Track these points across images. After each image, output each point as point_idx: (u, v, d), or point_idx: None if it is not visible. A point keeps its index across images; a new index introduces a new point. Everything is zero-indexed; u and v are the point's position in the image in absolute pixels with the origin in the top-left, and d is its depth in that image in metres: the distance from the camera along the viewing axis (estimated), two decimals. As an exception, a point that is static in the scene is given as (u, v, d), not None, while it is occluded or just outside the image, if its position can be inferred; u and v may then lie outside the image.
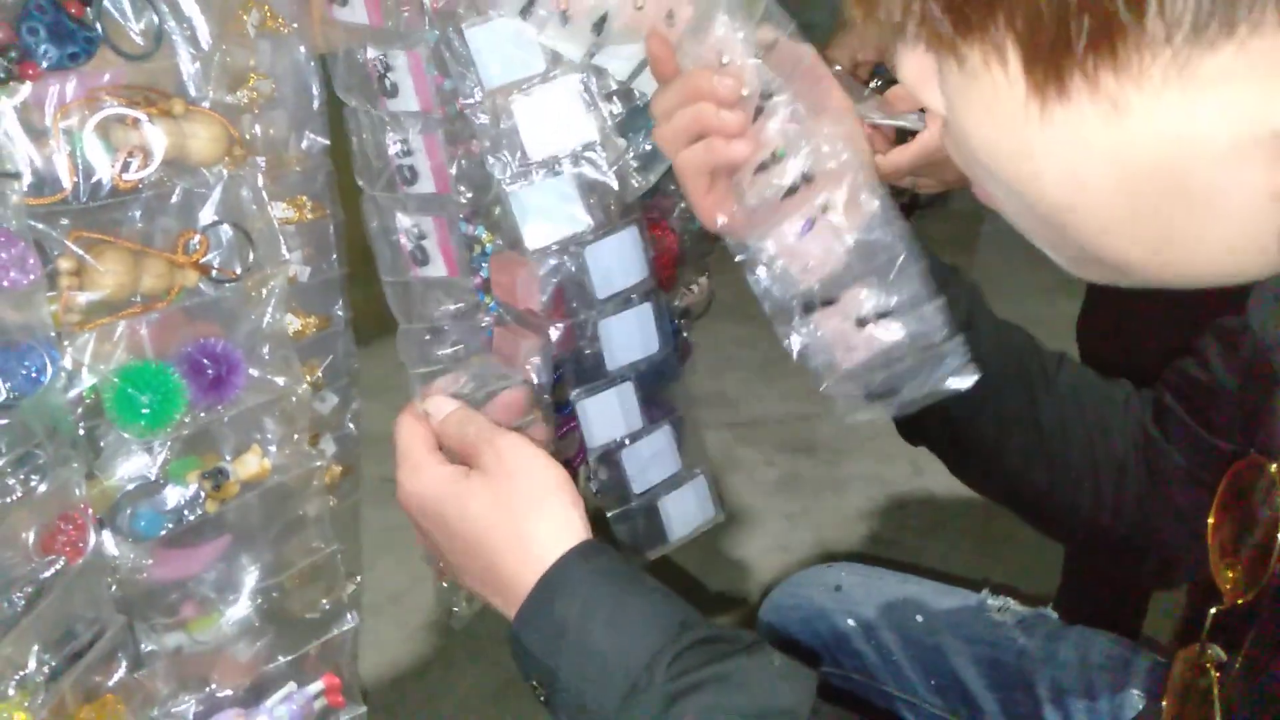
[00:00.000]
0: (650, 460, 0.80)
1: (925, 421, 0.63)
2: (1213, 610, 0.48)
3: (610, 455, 0.79)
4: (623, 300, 0.74)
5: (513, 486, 0.52)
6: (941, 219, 4.48)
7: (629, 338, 0.75)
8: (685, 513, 0.83)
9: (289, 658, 0.71)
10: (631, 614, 0.49)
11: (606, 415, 0.77)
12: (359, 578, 0.78)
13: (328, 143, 0.73)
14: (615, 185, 0.72)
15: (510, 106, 0.68)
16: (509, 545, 0.51)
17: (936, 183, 0.92)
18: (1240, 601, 0.47)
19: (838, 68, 0.79)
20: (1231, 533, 0.49)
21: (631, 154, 0.80)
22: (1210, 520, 0.50)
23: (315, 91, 0.71)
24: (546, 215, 0.70)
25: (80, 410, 0.58)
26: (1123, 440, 0.66)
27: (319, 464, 0.70)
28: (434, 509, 0.54)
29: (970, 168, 0.37)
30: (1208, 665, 0.48)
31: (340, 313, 0.76)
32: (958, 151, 0.37)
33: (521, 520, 0.51)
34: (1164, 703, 0.51)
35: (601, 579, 0.50)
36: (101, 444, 0.61)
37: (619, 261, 0.73)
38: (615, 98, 0.77)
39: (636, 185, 0.81)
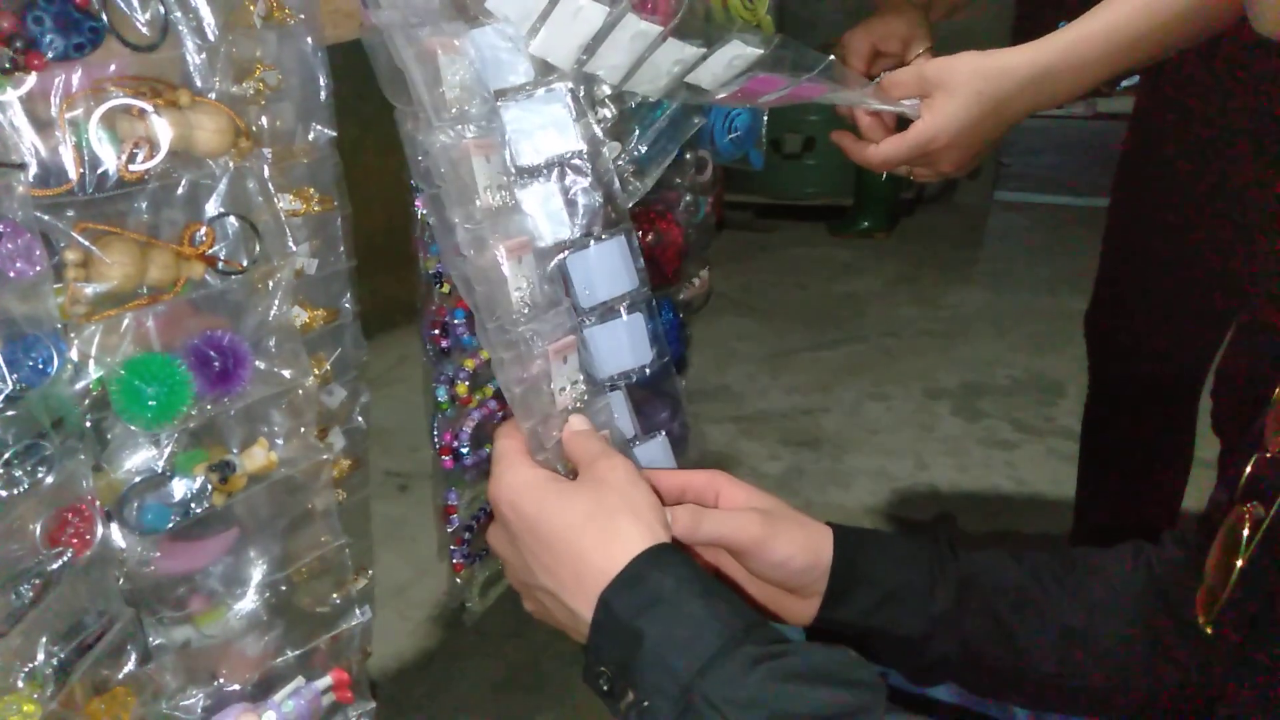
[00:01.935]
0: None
1: (935, 672, 0.66)
2: (1254, 458, 0.51)
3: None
4: (610, 310, 0.74)
5: (617, 493, 0.57)
6: (947, 213, 4.48)
7: (617, 347, 0.74)
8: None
9: (297, 652, 0.71)
10: (723, 596, 0.53)
11: (596, 424, 0.76)
12: (370, 572, 0.78)
13: (335, 134, 0.72)
14: (600, 196, 0.72)
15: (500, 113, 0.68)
16: (601, 537, 0.55)
17: (931, 173, 0.92)
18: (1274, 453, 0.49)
19: (832, 57, 0.79)
20: None
21: (625, 158, 0.80)
22: (1278, 392, 0.51)
23: (322, 83, 0.71)
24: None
25: (87, 402, 0.58)
26: (1141, 629, 0.65)
27: (327, 457, 0.69)
28: (529, 500, 0.57)
29: None
30: (1246, 515, 0.50)
31: (348, 305, 0.75)
32: None
33: (619, 519, 0.55)
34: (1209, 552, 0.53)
35: (691, 568, 0.54)
36: (108, 436, 0.60)
37: (605, 271, 0.73)
38: (608, 102, 0.77)
39: (632, 189, 0.81)
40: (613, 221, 0.73)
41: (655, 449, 0.77)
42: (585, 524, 0.55)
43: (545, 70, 0.71)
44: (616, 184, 0.74)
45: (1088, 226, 1.67)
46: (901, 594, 0.63)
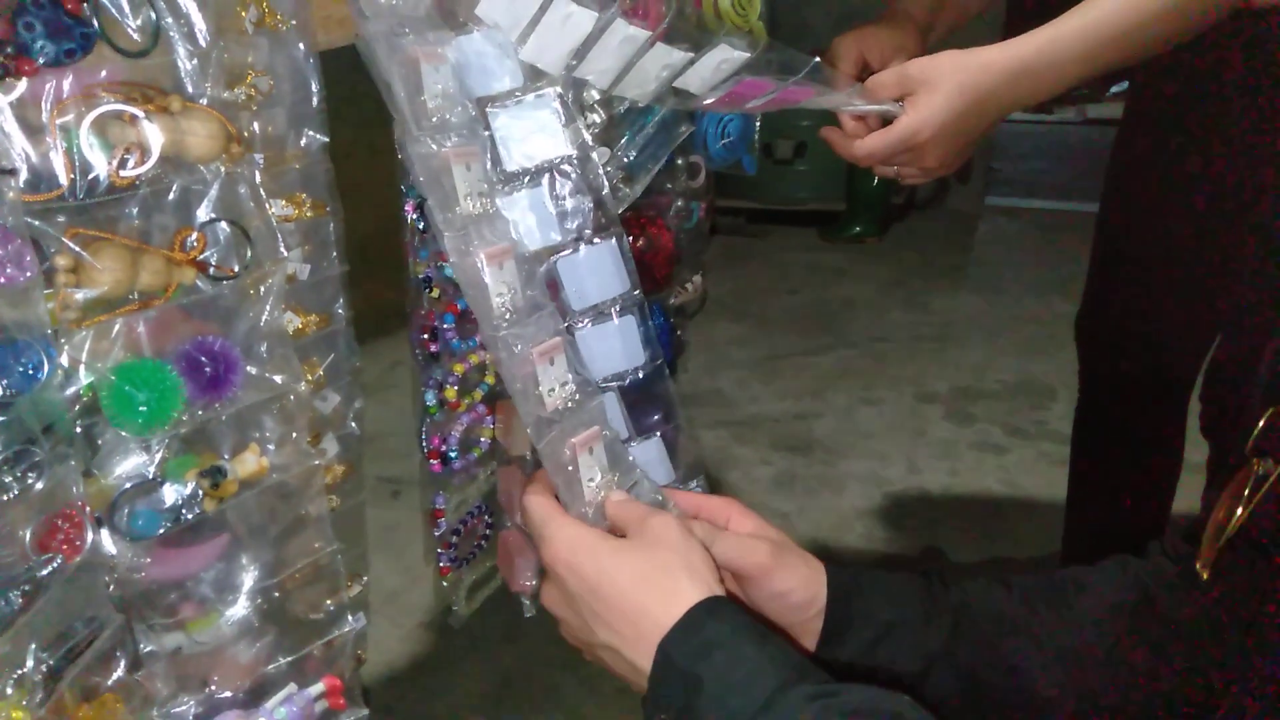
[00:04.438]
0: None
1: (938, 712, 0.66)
2: (1269, 412, 0.52)
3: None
4: (602, 313, 0.74)
5: (673, 552, 0.58)
6: (938, 218, 4.49)
7: (609, 350, 0.74)
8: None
9: (290, 659, 0.70)
10: (777, 641, 0.55)
11: (590, 423, 0.75)
12: (365, 579, 0.78)
13: (327, 140, 0.72)
14: (589, 200, 0.73)
15: (490, 118, 0.68)
16: (661, 594, 0.56)
17: (918, 172, 0.92)
18: None
19: (818, 59, 0.79)
20: None
21: (614, 164, 0.80)
22: None
23: (314, 89, 0.71)
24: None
25: (77, 408, 0.58)
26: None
27: (319, 463, 0.69)
28: (586, 559, 0.59)
29: None
30: (1255, 471, 0.52)
31: (341, 311, 0.75)
32: None
33: (677, 577, 0.57)
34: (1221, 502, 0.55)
35: (747, 618, 0.56)
36: (99, 442, 0.60)
37: (595, 274, 0.73)
38: (597, 107, 0.78)
39: (622, 195, 0.81)
40: (603, 226, 0.74)
41: (650, 450, 0.77)
42: (643, 582, 0.57)
43: (534, 76, 0.71)
44: (606, 188, 0.74)
45: (1078, 231, 1.68)
46: (897, 630, 0.64)
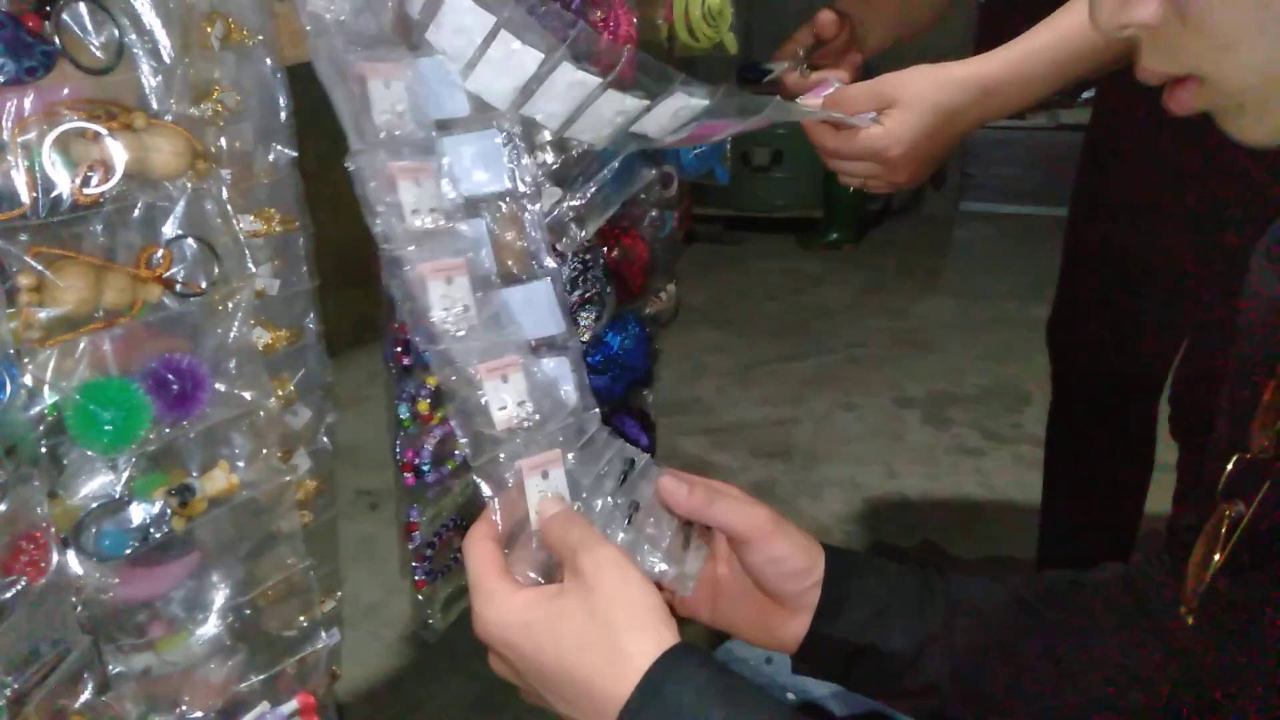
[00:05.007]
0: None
1: (926, 698, 0.66)
2: (1234, 458, 0.52)
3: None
4: (534, 349, 0.73)
5: (610, 602, 0.52)
6: (914, 224, 4.53)
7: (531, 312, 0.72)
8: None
9: (262, 677, 0.70)
10: (748, 701, 0.50)
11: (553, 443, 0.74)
12: (338, 594, 0.77)
13: (295, 154, 0.72)
14: (527, 239, 0.72)
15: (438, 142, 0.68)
16: (607, 661, 0.51)
17: (885, 185, 0.93)
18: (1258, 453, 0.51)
19: (777, 98, 0.79)
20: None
21: (566, 204, 0.79)
22: (1267, 396, 0.52)
23: (282, 103, 0.71)
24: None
25: (41, 428, 0.57)
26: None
27: (289, 479, 0.69)
28: (519, 636, 0.53)
29: (1211, 4, 0.41)
30: (1227, 516, 0.51)
31: (311, 325, 0.75)
32: (1197, 27, 0.41)
33: (620, 636, 0.51)
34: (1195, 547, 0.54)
35: (709, 670, 0.50)
36: (64, 462, 0.60)
37: (527, 312, 0.71)
38: (549, 147, 0.77)
39: (571, 236, 0.81)
40: (539, 268, 0.73)
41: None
42: (586, 651, 0.51)
43: (483, 107, 0.71)
44: (543, 231, 0.72)
45: (1051, 236, 1.70)
46: (893, 611, 0.64)
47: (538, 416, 0.64)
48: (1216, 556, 0.52)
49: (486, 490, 0.60)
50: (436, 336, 0.62)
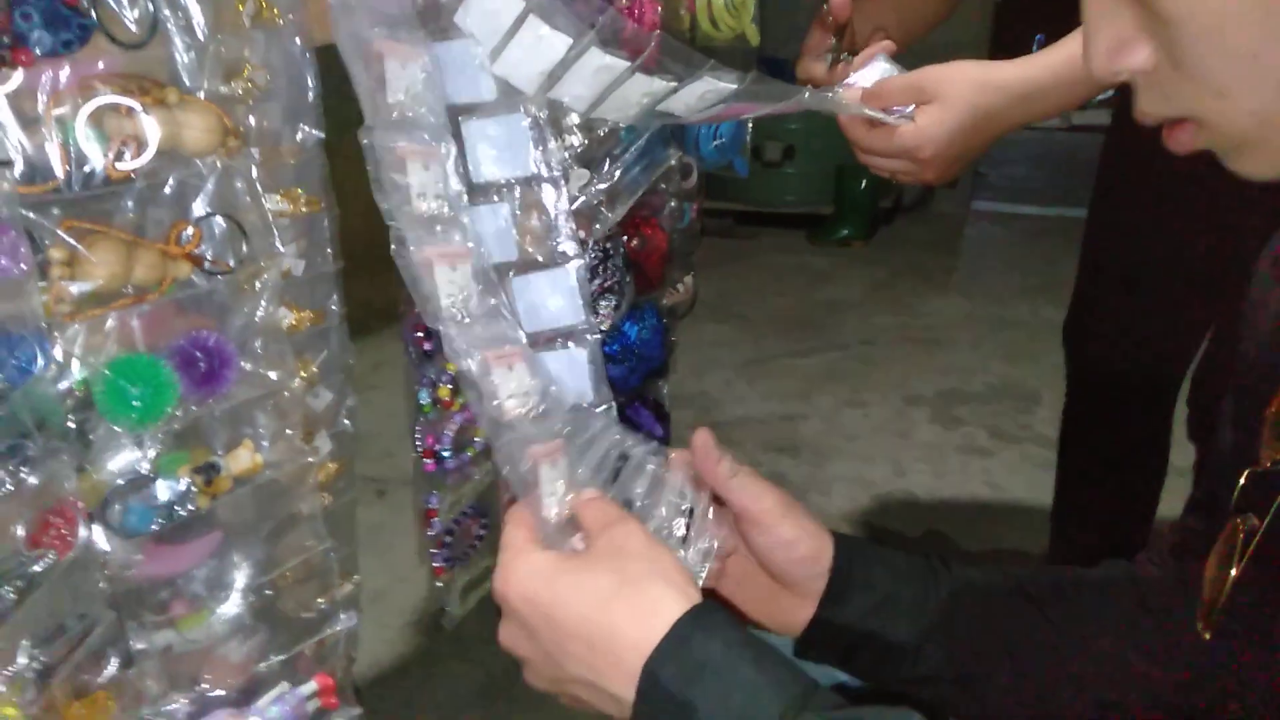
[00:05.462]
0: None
1: (925, 687, 0.65)
2: (1246, 471, 0.51)
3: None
4: (552, 340, 0.73)
5: (639, 559, 0.52)
6: (924, 222, 4.52)
7: (555, 378, 0.73)
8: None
9: (282, 657, 0.70)
10: (774, 657, 0.50)
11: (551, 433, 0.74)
12: (356, 577, 0.77)
13: (322, 135, 0.72)
14: (553, 223, 0.72)
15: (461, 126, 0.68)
16: (633, 610, 0.50)
17: (914, 179, 0.92)
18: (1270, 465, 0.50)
19: (808, 89, 0.78)
20: None
21: (594, 187, 0.79)
22: (1273, 408, 0.52)
23: (310, 84, 0.70)
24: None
25: (69, 403, 0.57)
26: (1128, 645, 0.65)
27: (312, 460, 0.69)
28: (541, 586, 0.53)
29: (1202, 52, 0.41)
30: (1240, 530, 0.51)
31: (335, 307, 0.75)
32: (1191, 40, 0.41)
33: (649, 588, 0.51)
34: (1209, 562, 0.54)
35: (737, 630, 0.50)
36: (91, 437, 0.60)
37: (549, 299, 0.72)
38: (577, 130, 0.77)
39: (603, 219, 0.81)
40: (564, 252, 0.73)
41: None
42: (611, 598, 0.51)
43: (510, 91, 0.71)
44: (569, 216, 0.72)
45: (1062, 236, 1.70)
46: (897, 599, 0.64)
47: (543, 408, 0.64)
48: (1233, 571, 0.51)
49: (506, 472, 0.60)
50: (444, 320, 0.62)
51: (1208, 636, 0.54)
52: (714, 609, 0.51)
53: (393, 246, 0.62)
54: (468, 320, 0.63)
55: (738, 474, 0.62)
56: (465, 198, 0.67)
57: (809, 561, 0.63)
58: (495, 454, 0.61)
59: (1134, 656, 0.63)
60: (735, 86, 0.72)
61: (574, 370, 0.74)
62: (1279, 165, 0.45)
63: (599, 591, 0.51)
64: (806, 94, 0.76)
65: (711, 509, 0.65)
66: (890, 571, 0.65)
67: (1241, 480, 0.52)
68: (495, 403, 0.61)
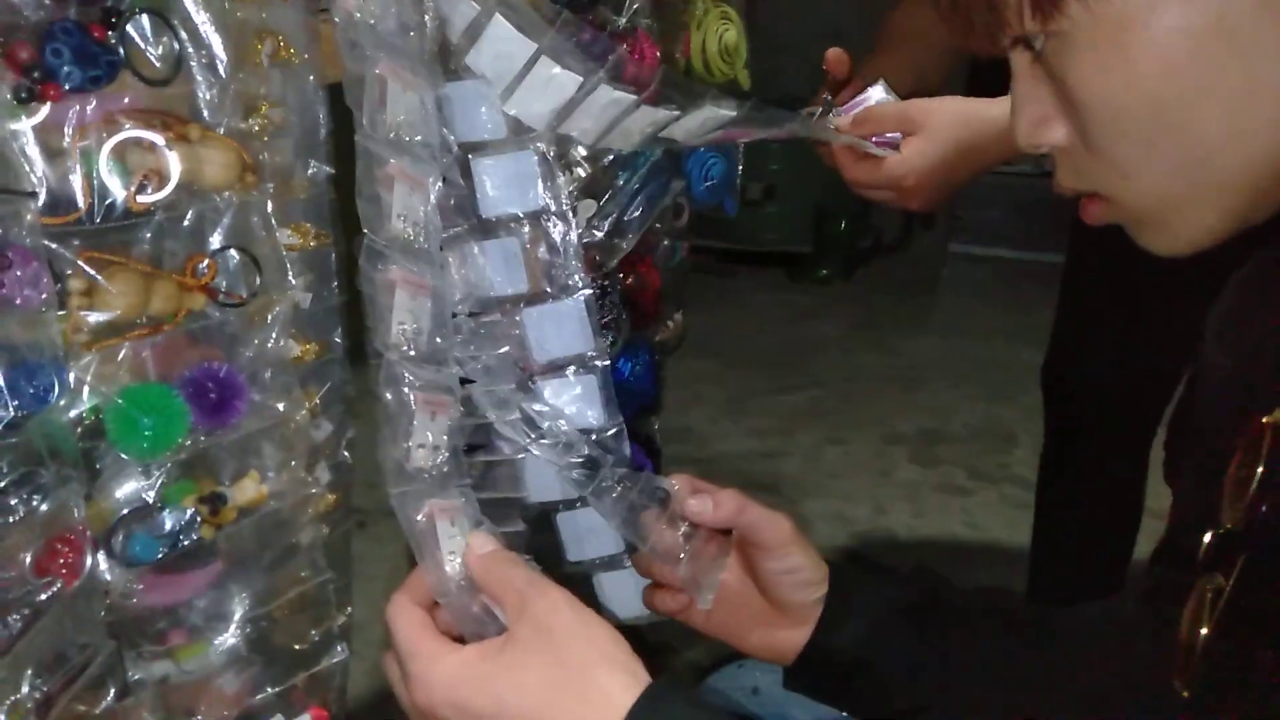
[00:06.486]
0: (586, 532, 0.79)
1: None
2: (1209, 532, 0.52)
3: (545, 517, 0.79)
4: (561, 369, 0.75)
5: (573, 641, 0.49)
6: (903, 262, 4.58)
7: (565, 407, 0.75)
8: (623, 597, 0.80)
9: (276, 689, 0.70)
10: None
11: (544, 474, 0.75)
12: (349, 609, 0.77)
13: (332, 171, 0.73)
14: (562, 256, 0.74)
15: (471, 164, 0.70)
16: (581, 701, 0.47)
17: (898, 205, 0.95)
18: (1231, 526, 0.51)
19: (803, 111, 0.81)
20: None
21: (600, 217, 0.81)
22: (1232, 470, 0.53)
23: (322, 121, 0.72)
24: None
25: (79, 430, 0.58)
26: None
27: (315, 491, 0.69)
28: (473, 691, 0.49)
29: (1106, 136, 0.45)
30: (1208, 590, 0.51)
31: (339, 340, 0.76)
32: (1097, 125, 0.45)
33: (593, 675, 0.48)
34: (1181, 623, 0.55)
35: (694, 705, 0.49)
36: (98, 465, 0.60)
37: (559, 330, 0.74)
38: (583, 161, 0.79)
39: (614, 246, 0.83)
40: (573, 284, 0.75)
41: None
42: (558, 693, 0.47)
43: (519, 128, 0.72)
44: (579, 247, 0.74)
45: (1039, 279, 1.73)
46: (893, 627, 0.65)
47: (446, 469, 0.61)
48: (1204, 630, 0.52)
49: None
50: (389, 346, 0.60)
51: (1185, 694, 0.55)
52: (667, 687, 0.48)
53: (360, 259, 0.60)
54: (412, 353, 0.61)
55: (747, 506, 0.64)
56: (443, 237, 0.67)
57: (812, 587, 0.65)
58: (391, 500, 0.58)
59: (1124, 697, 0.65)
60: (734, 114, 0.75)
61: (585, 396, 0.76)
62: (1180, 243, 0.50)
63: (542, 687, 0.47)
64: (799, 121, 0.78)
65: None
66: (886, 600, 0.66)
67: (1206, 539, 0.53)
68: (406, 444, 0.58)
